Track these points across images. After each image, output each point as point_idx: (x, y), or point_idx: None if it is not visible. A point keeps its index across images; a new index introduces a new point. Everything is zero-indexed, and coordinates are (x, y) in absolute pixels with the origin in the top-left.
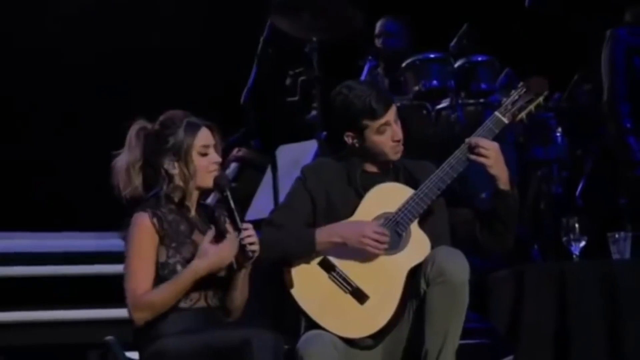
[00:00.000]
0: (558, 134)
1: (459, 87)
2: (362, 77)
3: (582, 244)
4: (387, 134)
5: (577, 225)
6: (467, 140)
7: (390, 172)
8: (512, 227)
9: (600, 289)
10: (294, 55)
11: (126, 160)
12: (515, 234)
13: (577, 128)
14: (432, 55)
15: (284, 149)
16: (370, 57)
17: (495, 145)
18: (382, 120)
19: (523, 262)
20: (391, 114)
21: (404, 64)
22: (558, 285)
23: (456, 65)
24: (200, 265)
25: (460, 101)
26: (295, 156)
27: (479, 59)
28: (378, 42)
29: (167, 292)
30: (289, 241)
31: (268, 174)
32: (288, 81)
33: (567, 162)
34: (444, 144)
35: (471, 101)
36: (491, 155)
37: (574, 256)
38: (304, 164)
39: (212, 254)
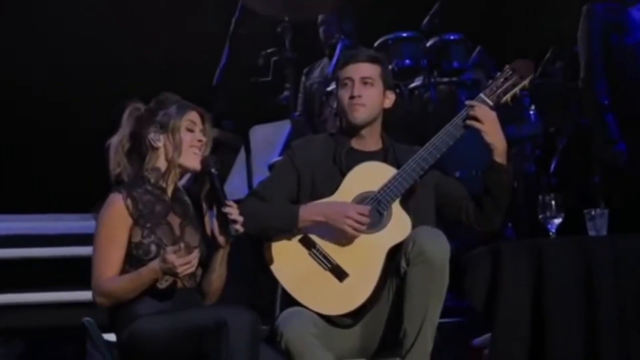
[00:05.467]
0: (531, 112)
1: (432, 66)
2: (335, 57)
3: (559, 221)
4: (347, 89)
5: (553, 202)
6: (467, 102)
7: (378, 152)
8: (502, 205)
9: (576, 266)
10: (266, 36)
11: (117, 139)
12: (505, 216)
13: (551, 106)
14: (404, 34)
15: (257, 130)
16: (343, 37)
17: (491, 114)
18: (346, 71)
19: (497, 241)
20: (357, 72)
21: (375, 44)
22: (535, 262)
23: (428, 44)
24: (157, 268)
25: (433, 80)
26: (268, 137)
27: (451, 37)
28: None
29: (125, 284)
30: (271, 215)
31: (241, 154)
32: (260, 61)
33: (541, 140)
34: (418, 122)
35: (444, 80)
36: (485, 121)
37: (551, 233)
38: (277, 145)
39: (169, 262)
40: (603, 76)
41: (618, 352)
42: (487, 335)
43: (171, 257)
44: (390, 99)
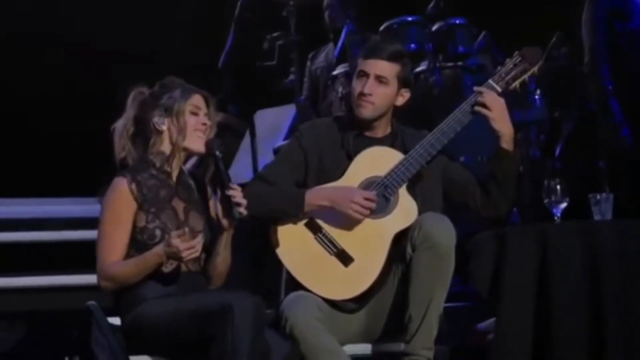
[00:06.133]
0: (536, 97)
1: (437, 51)
2: (340, 42)
3: (564, 205)
4: (361, 82)
5: (558, 187)
6: (475, 88)
7: (386, 137)
8: (508, 192)
9: (581, 250)
10: (271, 19)
11: (121, 123)
12: (512, 203)
13: (556, 90)
14: (409, 19)
15: (262, 114)
16: (348, 21)
17: (500, 101)
18: (364, 64)
19: (502, 226)
20: (373, 68)
21: (381, 28)
22: (540, 247)
23: (433, 28)
24: (162, 253)
25: (438, 64)
26: (273, 121)
27: (456, 22)
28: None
29: (129, 269)
30: (277, 198)
31: (246, 138)
32: (265, 45)
33: (546, 124)
34: (423, 107)
35: (449, 64)
36: (494, 108)
37: (556, 218)
38: (282, 129)
39: (174, 246)
40: (607, 61)
41: (623, 336)
42: (492, 320)
43: (175, 242)
44: (404, 96)
